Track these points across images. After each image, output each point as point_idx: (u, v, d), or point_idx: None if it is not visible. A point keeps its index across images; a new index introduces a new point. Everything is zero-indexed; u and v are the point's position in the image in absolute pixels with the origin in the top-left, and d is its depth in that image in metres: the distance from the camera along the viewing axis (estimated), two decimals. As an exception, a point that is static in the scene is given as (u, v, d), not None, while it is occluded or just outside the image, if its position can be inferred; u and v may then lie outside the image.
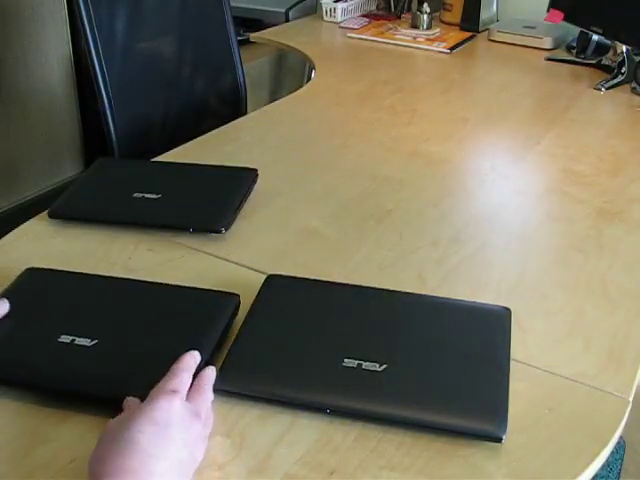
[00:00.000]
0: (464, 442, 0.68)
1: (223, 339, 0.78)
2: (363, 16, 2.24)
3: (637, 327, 0.85)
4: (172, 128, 1.65)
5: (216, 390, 0.70)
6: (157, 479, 0.56)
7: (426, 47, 1.96)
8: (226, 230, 1.00)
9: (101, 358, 0.74)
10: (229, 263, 0.95)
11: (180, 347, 0.71)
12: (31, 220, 1.03)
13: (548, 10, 1.90)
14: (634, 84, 1.65)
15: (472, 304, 0.84)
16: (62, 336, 0.76)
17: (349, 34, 2.06)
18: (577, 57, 1.87)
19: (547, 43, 1.95)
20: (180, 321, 0.79)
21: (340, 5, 2.16)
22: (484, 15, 2.12)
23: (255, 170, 1.14)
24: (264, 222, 1.06)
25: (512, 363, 0.76)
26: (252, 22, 2.33)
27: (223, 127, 1.39)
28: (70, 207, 1.06)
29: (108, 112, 1.47)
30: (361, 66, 1.83)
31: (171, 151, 1.27)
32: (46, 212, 1.03)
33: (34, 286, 0.85)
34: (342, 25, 2.14)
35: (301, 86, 1.70)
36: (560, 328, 0.85)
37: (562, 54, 1.92)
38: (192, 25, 1.69)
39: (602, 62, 1.79)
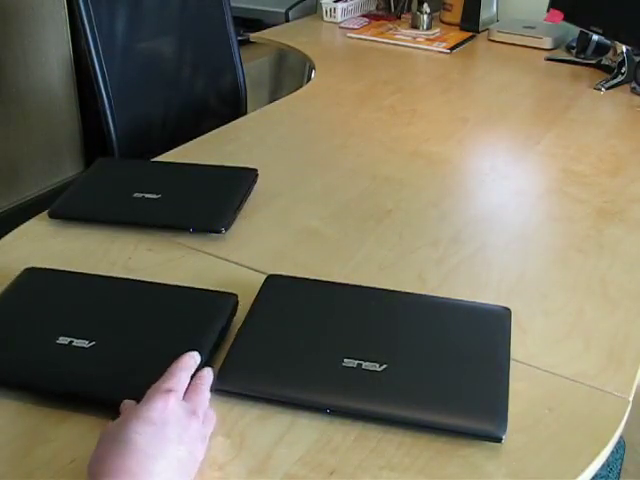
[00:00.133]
0: (464, 442, 0.68)
1: (221, 339, 0.78)
2: (363, 16, 2.24)
3: (637, 327, 0.85)
4: (172, 128, 1.65)
5: (216, 390, 0.70)
6: (156, 478, 0.56)
7: (426, 47, 1.96)
8: (226, 230, 1.00)
9: (98, 360, 0.73)
10: (229, 263, 0.95)
11: (177, 347, 0.71)
12: (31, 220, 1.03)
13: (548, 10, 1.90)
14: (634, 84, 1.65)
15: (472, 304, 0.84)
16: (60, 337, 0.76)
17: (349, 34, 2.06)
18: (577, 57, 1.87)
19: (547, 43, 1.95)
20: (177, 321, 0.79)
21: (340, 5, 2.16)
22: (484, 15, 2.12)
23: (255, 170, 1.14)
24: (264, 222, 1.06)
25: (512, 363, 0.76)
26: (252, 22, 2.33)
27: (223, 127, 1.39)
28: (70, 207, 1.06)
29: (108, 112, 1.47)
30: (361, 66, 1.83)
31: (171, 151, 1.27)
32: (46, 212, 1.03)
33: (33, 286, 0.85)
34: (342, 25, 2.14)
35: (301, 86, 1.70)
36: (560, 328, 0.85)
37: (562, 54, 1.92)
38: (192, 25, 1.69)
39: (602, 62, 1.79)
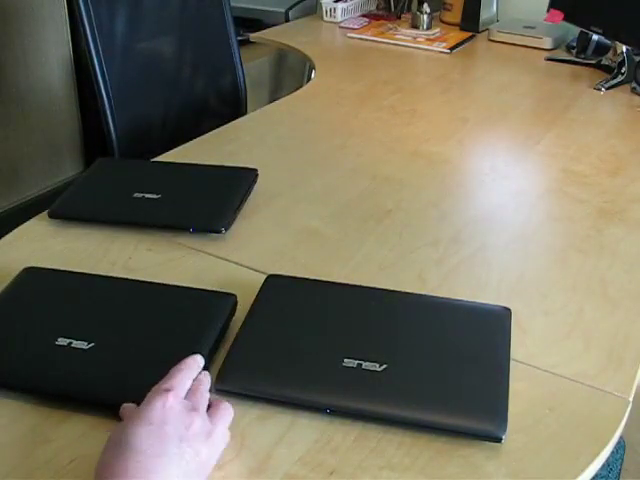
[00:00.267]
0: (464, 442, 0.68)
1: (220, 340, 0.78)
2: (363, 16, 2.24)
3: (637, 327, 0.85)
4: (172, 128, 1.65)
5: (216, 390, 0.70)
6: (157, 477, 0.57)
7: (426, 47, 1.96)
8: (226, 230, 1.00)
9: (97, 362, 0.73)
10: (229, 263, 0.95)
11: (176, 347, 0.71)
12: (31, 220, 1.03)
13: (548, 10, 1.90)
14: (634, 84, 1.65)
15: (472, 304, 0.84)
16: (60, 339, 0.75)
17: (349, 34, 2.06)
18: (577, 57, 1.87)
19: (547, 43, 1.95)
20: (176, 321, 0.79)
21: (340, 5, 2.16)
22: (484, 15, 2.12)
23: (255, 170, 1.14)
24: (264, 222, 1.06)
25: (512, 363, 0.76)
26: (252, 22, 2.33)
27: (223, 127, 1.39)
28: (70, 207, 1.06)
29: (108, 112, 1.47)
30: (361, 66, 1.83)
31: (171, 151, 1.27)
32: (46, 212, 1.03)
33: (31, 286, 0.85)
34: (342, 25, 2.14)
35: (301, 86, 1.70)
36: (560, 328, 0.85)
37: (562, 54, 1.92)
38: (192, 25, 1.69)
39: (602, 62, 1.79)
